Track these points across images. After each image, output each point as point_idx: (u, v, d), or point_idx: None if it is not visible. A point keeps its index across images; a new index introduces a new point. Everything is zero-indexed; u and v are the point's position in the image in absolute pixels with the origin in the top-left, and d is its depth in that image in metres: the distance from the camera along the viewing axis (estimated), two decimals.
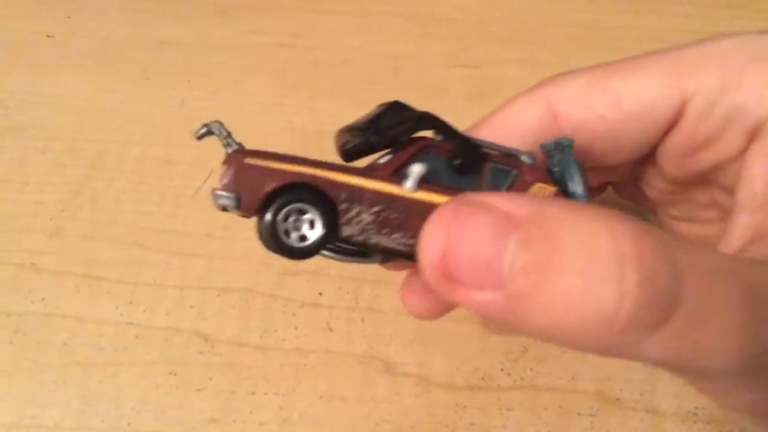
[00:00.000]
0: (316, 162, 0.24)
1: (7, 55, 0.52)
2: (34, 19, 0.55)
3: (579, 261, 0.19)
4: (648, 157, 0.30)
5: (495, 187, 0.25)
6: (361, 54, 0.53)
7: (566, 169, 0.26)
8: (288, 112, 0.49)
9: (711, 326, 0.19)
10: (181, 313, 0.38)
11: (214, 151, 0.46)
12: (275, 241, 0.24)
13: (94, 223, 0.42)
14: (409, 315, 0.38)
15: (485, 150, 0.25)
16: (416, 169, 0.24)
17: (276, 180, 0.24)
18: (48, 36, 0.54)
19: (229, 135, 0.27)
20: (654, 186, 0.32)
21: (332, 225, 0.24)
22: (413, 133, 0.25)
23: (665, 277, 0.19)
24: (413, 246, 0.23)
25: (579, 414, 0.35)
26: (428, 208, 0.22)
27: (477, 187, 0.25)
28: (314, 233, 0.24)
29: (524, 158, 0.26)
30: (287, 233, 0.24)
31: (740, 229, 0.26)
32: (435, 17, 0.56)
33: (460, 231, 0.20)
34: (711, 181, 0.29)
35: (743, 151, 0.27)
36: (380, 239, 0.24)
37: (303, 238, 0.24)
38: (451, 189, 0.24)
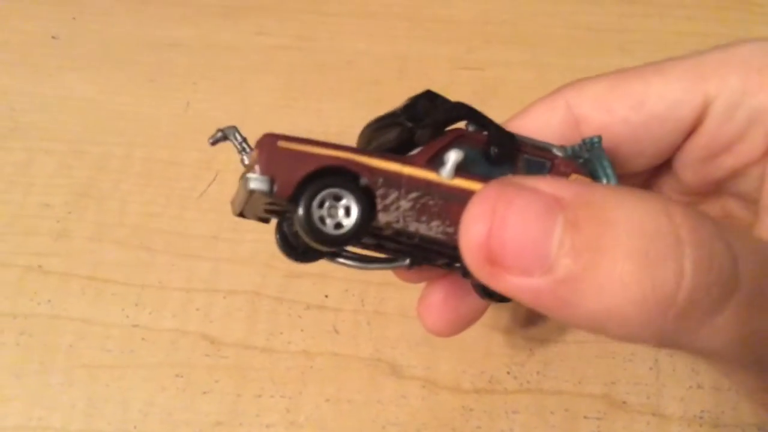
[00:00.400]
0: (351, 148, 0.23)
1: (12, 56, 0.52)
2: (39, 21, 0.55)
3: (633, 241, 0.18)
4: (663, 166, 0.30)
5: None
6: (367, 56, 0.53)
7: (599, 164, 0.26)
8: (293, 114, 0.49)
9: (764, 316, 0.19)
10: (187, 315, 0.38)
11: (220, 152, 0.46)
12: (310, 229, 0.23)
13: (100, 225, 0.42)
14: (415, 318, 0.38)
15: (519, 140, 0.25)
16: (453, 156, 0.23)
17: (311, 164, 0.23)
18: (53, 37, 0.54)
19: (244, 141, 0.27)
20: (667, 196, 0.32)
21: (369, 211, 0.23)
22: (449, 121, 0.24)
23: (723, 258, 0.18)
24: (452, 234, 0.23)
25: (585, 417, 0.35)
26: (467, 195, 0.21)
27: (515, 167, 0.25)
28: (350, 220, 0.23)
29: (557, 151, 0.26)
30: (322, 220, 0.23)
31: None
32: (440, 19, 0.56)
33: (505, 211, 0.19)
34: (725, 191, 0.29)
35: (765, 154, 0.27)
36: (419, 226, 0.24)
37: (339, 225, 0.23)
38: (487, 179, 0.23)
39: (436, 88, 0.49)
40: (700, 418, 0.35)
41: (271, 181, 0.23)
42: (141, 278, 0.40)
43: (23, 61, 0.52)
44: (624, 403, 0.35)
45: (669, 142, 0.28)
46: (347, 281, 0.39)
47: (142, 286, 0.39)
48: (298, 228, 0.23)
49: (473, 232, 0.19)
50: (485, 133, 0.25)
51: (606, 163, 0.26)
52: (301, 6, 0.56)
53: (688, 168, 0.29)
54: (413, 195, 0.23)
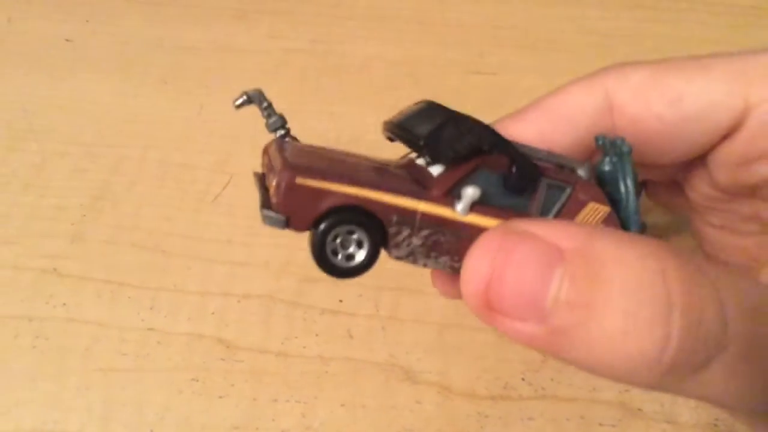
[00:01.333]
0: (368, 179, 0.23)
1: (27, 59, 0.52)
2: (53, 24, 0.55)
3: (625, 302, 0.18)
4: (698, 159, 0.29)
5: (548, 205, 0.25)
6: (379, 60, 0.53)
7: (622, 178, 0.26)
8: (306, 117, 0.49)
9: (756, 367, 0.19)
10: (202, 319, 0.38)
11: (234, 155, 0.46)
12: (322, 260, 0.24)
13: (115, 228, 0.42)
14: (430, 323, 0.38)
15: (540, 164, 0.24)
16: (469, 192, 0.23)
17: (327, 202, 0.23)
18: (67, 40, 0.54)
19: (270, 105, 0.27)
20: (699, 191, 0.31)
21: (380, 247, 0.24)
22: (474, 152, 0.24)
23: (711, 322, 0.19)
24: (459, 268, 0.23)
25: (600, 425, 0.35)
26: (478, 232, 0.22)
27: (529, 206, 0.24)
28: (361, 253, 0.24)
29: (580, 172, 0.25)
30: (335, 252, 0.24)
31: None
32: (451, 24, 0.56)
33: (505, 262, 0.20)
34: (758, 195, 0.29)
35: None
36: (427, 261, 0.24)
37: (350, 257, 0.24)
38: (504, 209, 0.23)
39: (448, 92, 0.50)
40: (714, 425, 0.35)
41: (286, 220, 0.23)
42: (156, 281, 0.40)
43: (37, 63, 0.52)
44: (639, 410, 0.35)
45: (702, 142, 0.28)
46: (361, 286, 0.39)
47: (157, 290, 0.39)
48: (312, 256, 0.23)
49: (473, 282, 0.20)
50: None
51: (629, 181, 0.26)
52: (314, 10, 0.56)
53: (722, 169, 0.28)
54: (425, 232, 0.24)
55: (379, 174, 0.24)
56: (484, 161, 0.24)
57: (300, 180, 0.22)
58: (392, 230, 0.23)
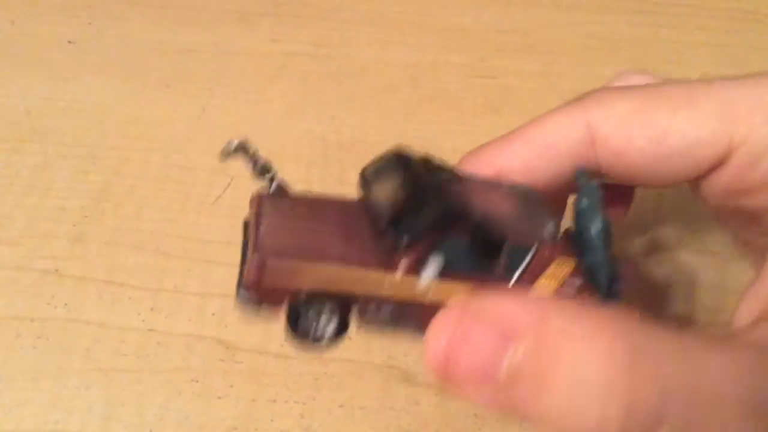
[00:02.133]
0: (339, 250, 0.24)
1: (29, 60, 0.53)
2: (55, 25, 0.55)
3: (570, 380, 0.20)
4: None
5: (514, 266, 0.25)
6: (380, 64, 0.53)
7: (593, 221, 0.26)
8: (308, 120, 0.49)
9: None
10: (202, 320, 0.39)
11: (233, 158, 0.46)
12: (291, 335, 0.25)
13: (117, 230, 0.42)
14: None
15: (505, 225, 0.25)
16: (433, 265, 0.24)
17: (299, 285, 0.24)
18: (69, 42, 0.54)
19: (256, 152, 0.28)
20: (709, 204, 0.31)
21: (348, 322, 0.25)
22: (435, 232, 0.24)
23: (651, 404, 0.19)
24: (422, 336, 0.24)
25: None
26: (441, 304, 0.23)
27: (495, 270, 0.25)
28: (329, 328, 0.25)
29: (548, 227, 0.25)
30: (306, 328, 0.25)
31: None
32: (453, 28, 0.56)
33: (461, 341, 0.21)
34: (755, 222, 0.29)
35: None
36: (394, 330, 0.25)
37: (317, 331, 0.25)
38: (469, 275, 0.24)
39: (449, 96, 0.50)
40: None
41: (259, 303, 0.24)
42: (157, 283, 0.40)
43: (39, 65, 0.52)
44: None
45: (686, 175, 0.28)
46: None
47: (157, 291, 0.40)
48: (285, 328, 0.25)
49: (433, 355, 0.22)
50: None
51: (598, 224, 0.26)
52: (316, 13, 0.57)
53: (712, 196, 0.29)
54: (391, 307, 0.24)
55: (349, 243, 0.24)
56: (448, 232, 0.24)
57: (271, 262, 0.23)
58: (359, 307, 0.24)
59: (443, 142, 0.44)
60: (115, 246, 0.42)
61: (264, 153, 0.46)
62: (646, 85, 0.28)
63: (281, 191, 0.27)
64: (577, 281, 0.25)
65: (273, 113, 0.50)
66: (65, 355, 0.37)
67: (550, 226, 0.25)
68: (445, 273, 0.24)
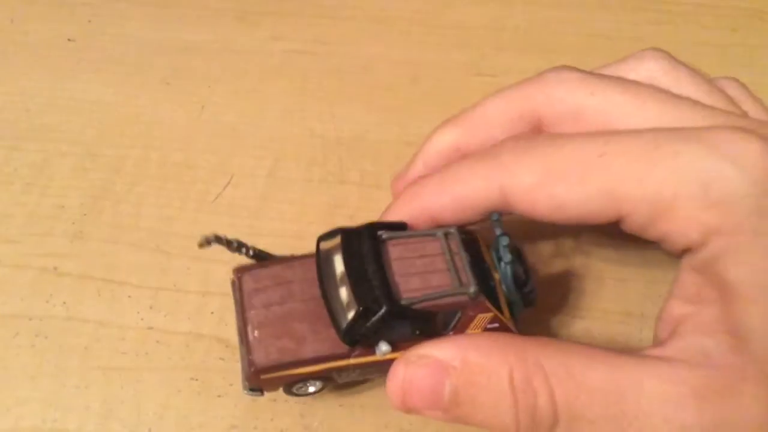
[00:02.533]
0: (314, 347, 0.31)
1: (29, 58, 0.53)
2: (55, 23, 0.55)
3: (489, 398, 0.27)
4: None
5: (446, 325, 0.31)
6: (381, 61, 0.53)
7: (501, 263, 0.33)
8: (308, 118, 0.49)
9: None
10: (201, 318, 0.38)
11: (234, 156, 0.46)
12: (285, 392, 0.33)
13: (116, 228, 0.42)
14: None
15: (436, 304, 0.30)
16: (382, 347, 0.30)
17: (289, 379, 0.32)
18: (69, 40, 0.54)
19: (226, 238, 0.34)
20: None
21: (327, 382, 0.33)
22: (384, 330, 0.30)
23: (544, 407, 0.26)
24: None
25: None
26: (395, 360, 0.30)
27: (433, 330, 0.31)
28: (313, 389, 0.33)
29: (468, 295, 0.30)
30: (296, 393, 0.33)
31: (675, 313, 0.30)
32: (453, 25, 0.56)
33: (410, 382, 0.29)
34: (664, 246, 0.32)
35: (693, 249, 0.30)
36: (367, 378, 0.34)
37: (305, 392, 0.33)
38: (414, 338, 0.30)
39: (450, 94, 0.50)
40: None
41: (261, 391, 0.32)
42: (156, 281, 0.40)
43: (39, 63, 0.52)
44: None
45: (590, 226, 0.32)
46: None
47: (157, 289, 0.40)
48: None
49: (392, 396, 0.29)
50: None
51: (504, 266, 0.32)
52: (316, 11, 0.56)
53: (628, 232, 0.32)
54: (359, 371, 0.32)
55: (317, 336, 0.31)
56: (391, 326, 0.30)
57: (264, 376, 0.31)
58: (334, 374, 0.32)
59: None
60: (114, 244, 0.41)
61: (264, 151, 0.46)
62: (552, 150, 0.31)
63: (260, 256, 0.34)
64: (496, 324, 0.32)
65: (273, 111, 0.49)
66: (64, 353, 0.37)
67: (472, 291, 0.30)
68: (393, 345, 0.30)
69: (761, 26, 0.56)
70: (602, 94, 0.33)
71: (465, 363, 0.28)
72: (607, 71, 0.36)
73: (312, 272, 0.32)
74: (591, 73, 0.35)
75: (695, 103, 0.32)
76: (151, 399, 0.36)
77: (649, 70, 0.35)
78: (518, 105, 0.35)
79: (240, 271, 0.34)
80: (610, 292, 0.40)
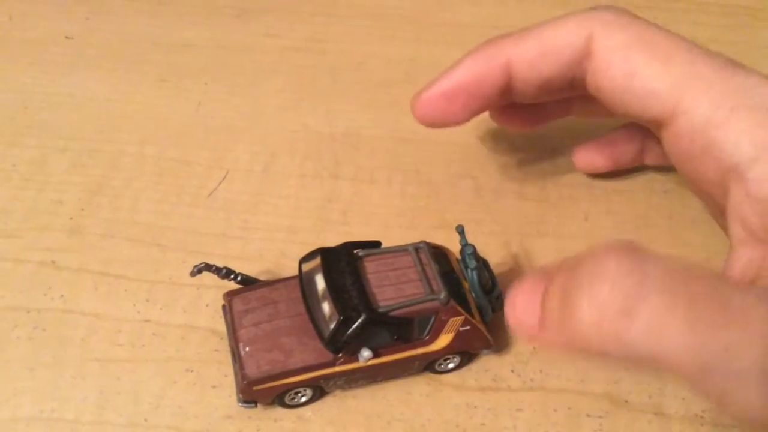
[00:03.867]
0: (302, 357, 0.34)
1: (27, 55, 0.53)
2: (53, 21, 0.56)
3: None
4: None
5: (422, 330, 0.34)
6: (376, 59, 0.54)
7: (468, 270, 0.36)
8: (303, 114, 0.49)
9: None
10: (197, 311, 0.39)
11: (229, 152, 0.47)
12: (277, 405, 0.35)
13: (113, 222, 0.43)
14: None
15: (410, 311, 0.33)
16: (364, 354, 0.33)
17: (279, 389, 0.34)
18: (66, 37, 0.55)
19: (215, 266, 0.36)
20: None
21: (317, 391, 0.35)
22: (364, 336, 0.33)
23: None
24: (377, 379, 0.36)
25: (588, 415, 0.36)
26: (378, 366, 0.34)
27: (410, 335, 0.34)
28: (304, 399, 0.35)
29: (439, 300, 0.33)
30: (288, 405, 0.35)
31: (742, 265, 0.29)
32: (448, 23, 0.57)
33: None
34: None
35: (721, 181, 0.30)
36: (354, 384, 0.36)
37: (296, 403, 0.35)
38: (393, 344, 0.34)
39: None
40: (701, 417, 0.35)
41: (254, 403, 0.34)
42: (152, 274, 0.40)
43: (37, 59, 0.53)
44: (626, 401, 0.36)
45: (641, 118, 0.33)
46: None
47: (153, 282, 0.40)
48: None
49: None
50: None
51: (471, 273, 0.36)
52: (312, 9, 0.57)
53: (670, 154, 0.34)
54: (345, 378, 0.34)
55: (304, 347, 0.34)
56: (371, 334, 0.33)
57: (257, 388, 0.33)
58: (323, 384, 0.34)
59: (437, 136, 0.44)
60: (111, 238, 0.42)
61: (259, 147, 0.47)
62: (649, 25, 0.32)
63: (246, 281, 0.37)
64: (468, 327, 0.34)
65: (268, 107, 0.50)
66: (61, 345, 0.38)
67: (443, 297, 0.33)
68: (374, 351, 0.33)
69: (753, 23, 0.57)
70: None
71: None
72: None
73: (296, 292, 0.35)
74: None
75: None
76: (147, 390, 0.36)
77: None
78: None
79: (230, 295, 0.36)
80: None
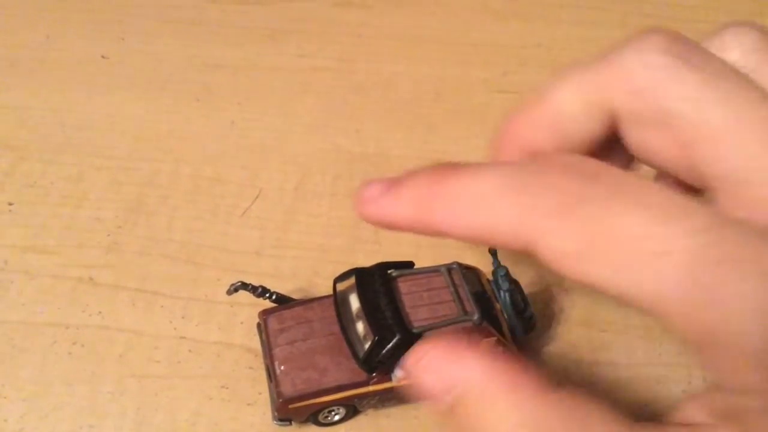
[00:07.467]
0: (336, 376, 0.34)
1: (64, 74, 0.54)
2: (89, 40, 0.57)
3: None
4: None
5: None
6: (404, 78, 0.54)
7: (500, 292, 0.37)
8: (333, 133, 0.50)
9: None
10: (231, 328, 0.40)
11: (263, 170, 0.47)
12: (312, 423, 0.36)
13: (149, 240, 0.44)
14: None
15: (445, 331, 0.33)
16: (398, 372, 0.33)
17: (314, 408, 0.34)
18: (103, 57, 0.56)
19: (252, 285, 0.37)
20: None
21: (351, 410, 0.36)
22: (398, 355, 0.33)
23: None
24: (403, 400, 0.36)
25: None
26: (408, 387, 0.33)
27: None
28: (337, 417, 0.36)
29: (472, 321, 0.33)
30: (322, 423, 0.36)
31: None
32: (476, 43, 0.57)
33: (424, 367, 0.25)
34: None
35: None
36: (384, 405, 0.36)
37: (330, 421, 0.36)
38: None
39: (472, 111, 0.51)
40: None
41: (289, 421, 0.35)
42: (188, 292, 0.41)
43: (73, 79, 0.54)
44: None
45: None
46: None
47: (188, 300, 0.41)
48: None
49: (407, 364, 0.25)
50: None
51: (503, 295, 0.37)
52: (342, 30, 0.58)
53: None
54: (378, 398, 0.35)
55: (338, 366, 0.34)
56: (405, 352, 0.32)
57: (292, 406, 0.34)
58: (356, 401, 0.35)
59: (466, 155, 0.45)
60: (147, 255, 0.43)
61: (291, 165, 0.48)
62: (599, 217, 0.22)
63: (281, 300, 0.37)
64: (500, 348, 0.34)
65: (300, 126, 0.51)
66: (99, 361, 0.38)
67: (476, 318, 0.33)
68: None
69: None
70: (700, 103, 0.23)
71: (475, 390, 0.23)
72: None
73: (330, 311, 0.36)
74: (692, 53, 0.24)
75: None
76: (183, 406, 0.37)
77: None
78: (592, 96, 0.26)
79: (265, 314, 0.37)
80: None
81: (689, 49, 0.24)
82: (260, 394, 0.37)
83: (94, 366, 0.38)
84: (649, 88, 0.24)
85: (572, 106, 0.26)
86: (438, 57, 0.56)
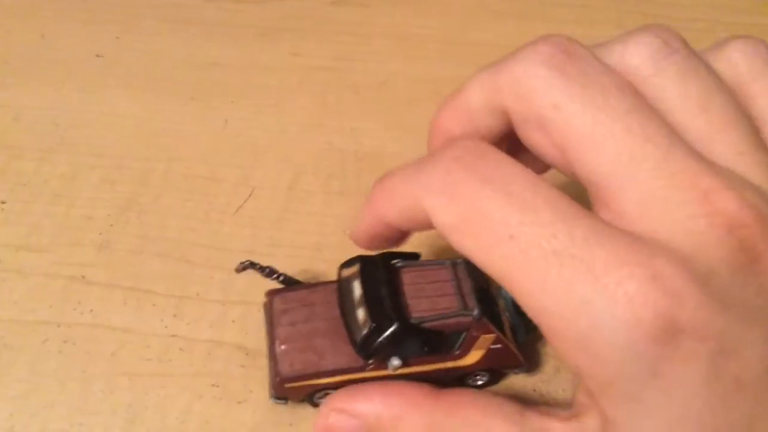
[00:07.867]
0: (334, 360, 0.34)
1: (58, 73, 0.54)
2: (84, 39, 0.57)
3: None
4: None
5: (452, 343, 0.34)
6: (401, 77, 0.54)
7: (505, 299, 0.37)
8: (328, 133, 0.50)
9: None
10: (223, 326, 0.40)
11: (256, 169, 0.47)
12: (307, 403, 0.36)
13: (142, 238, 0.43)
14: None
15: (443, 324, 0.33)
16: (394, 362, 0.33)
17: (310, 389, 0.34)
18: (97, 56, 0.56)
19: (260, 264, 0.38)
20: None
21: None
22: (396, 344, 0.33)
23: None
24: None
25: None
26: (406, 375, 0.34)
27: (440, 348, 0.34)
28: None
29: (471, 316, 0.33)
30: (318, 403, 0.36)
31: None
32: (473, 42, 0.57)
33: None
34: None
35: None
36: None
37: (324, 398, 0.35)
38: (423, 356, 0.34)
39: None
40: None
41: (286, 400, 0.35)
42: (180, 290, 0.41)
43: (68, 78, 0.54)
44: None
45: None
46: None
47: (180, 298, 0.41)
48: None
49: None
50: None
51: (503, 299, 0.36)
52: (337, 28, 0.58)
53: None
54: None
55: (336, 351, 0.34)
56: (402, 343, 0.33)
57: (288, 385, 0.34)
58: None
59: None
60: (140, 254, 0.43)
61: (285, 164, 0.47)
62: (474, 199, 0.26)
63: (288, 282, 0.38)
64: (499, 345, 0.34)
65: (294, 125, 0.51)
66: (91, 359, 0.38)
67: (475, 313, 0.33)
68: (404, 360, 0.33)
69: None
70: (567, 112, 0.25)
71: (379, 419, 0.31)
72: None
73: (333, 296, 0.36)
74: (572, 65, 0.26)
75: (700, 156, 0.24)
76: (174, 405, 0.37)
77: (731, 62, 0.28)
78: (491, 96, 0.29)
79: (271, 294, 0.37)
80: None
81: (572, 60, 0.26)
82: (251, 392, 0.37)
83: (86, 364, 0.38)
84: (529, 95, 0.26)
85: (478, 103, 0.29)
86: (434, 56, 0.56)
